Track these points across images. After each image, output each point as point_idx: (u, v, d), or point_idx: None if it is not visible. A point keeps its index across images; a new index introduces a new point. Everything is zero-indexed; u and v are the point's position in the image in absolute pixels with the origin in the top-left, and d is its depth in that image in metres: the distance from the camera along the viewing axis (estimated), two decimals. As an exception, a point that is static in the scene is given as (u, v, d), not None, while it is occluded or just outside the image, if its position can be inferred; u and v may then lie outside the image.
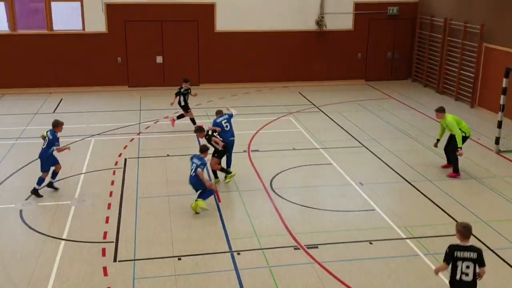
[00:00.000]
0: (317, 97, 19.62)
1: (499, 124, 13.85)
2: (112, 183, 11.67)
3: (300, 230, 9.72)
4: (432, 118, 16.06)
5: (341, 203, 10.99)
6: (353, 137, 14.93)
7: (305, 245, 9.18)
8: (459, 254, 6.61)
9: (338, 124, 16.22)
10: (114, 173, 12.24)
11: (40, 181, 10.99)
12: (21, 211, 10.34)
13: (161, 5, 20.44)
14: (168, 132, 15.39)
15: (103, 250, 8.92)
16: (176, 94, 15.45)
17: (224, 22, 20.99)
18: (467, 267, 6.58)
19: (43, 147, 11.12)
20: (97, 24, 20.16)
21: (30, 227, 9.72)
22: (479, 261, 6.63)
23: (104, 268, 8.37)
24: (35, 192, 10.96)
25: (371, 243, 9.34)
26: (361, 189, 11.56)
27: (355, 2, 21.66)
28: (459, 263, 6.60)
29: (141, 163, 12.88)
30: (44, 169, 11.08)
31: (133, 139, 14.71)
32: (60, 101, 18.77)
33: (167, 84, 21.05)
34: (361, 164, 13.10)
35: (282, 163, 12.87)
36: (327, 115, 16.31)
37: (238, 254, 8.92)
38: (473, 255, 6.61)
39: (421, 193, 11.43)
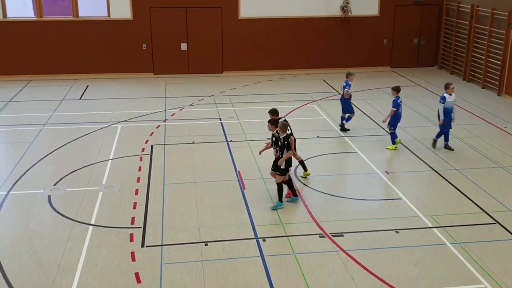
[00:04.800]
0: (341, 84, 19.42)
1: (528, 112, 13.60)
2: (139, 169, 11.80)
3: (325, 218, 9.71)
4: (460, 106, 15.83)
5: (367, 191, 10.93)
6: (378, 125, 14.81)
7: (330, 233, 9.18)
8: None
9: (363, 112, 16.09)
10: (141, 159, 12.36)
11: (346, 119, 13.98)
12: (49, 196, 10.52)
13: (186, -9, 20.47)
14: (193, 119, 15.47)
15: (131, 235, 9.05)
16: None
17: (248, 9, 20.90)
18: None
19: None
20: (123, 10, 20.27)
21: (58, 212, 9.89)
22: None
23: (132, 253, 8.50)
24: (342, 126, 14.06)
25: (397, 232, 9.29)
26: (387, 178, 11.49)
27: (381, -13, 21.41)
28: None
29: (167, 150, 12.99)
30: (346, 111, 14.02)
31: (159, 126, 14.82)
32: (86, 88, 18.98)
33: (192, 72, 21.15)
34: (387, 153, 13.00)
35: (306, 151, 12.83)
36: (352, 103, 16.14)
37: (264, 240, 8.96)
38: None
39: (448, 182, 11.31)
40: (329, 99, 17.57)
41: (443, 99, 12.79)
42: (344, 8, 21.11)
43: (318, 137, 13.99)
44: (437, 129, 13.35)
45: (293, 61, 21.60)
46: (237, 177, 11.44)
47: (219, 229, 9.34)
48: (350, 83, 14.17)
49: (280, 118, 10.63)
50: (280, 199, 10.07)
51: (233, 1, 20.81)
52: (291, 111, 16.11)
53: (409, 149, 13.11)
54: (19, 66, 20.08)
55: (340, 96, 14.60)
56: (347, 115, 14.28)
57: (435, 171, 11.86)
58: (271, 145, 10.33)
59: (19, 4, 20.91)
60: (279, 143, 9.90)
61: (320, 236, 9.12)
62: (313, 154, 12.70)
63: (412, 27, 22.09)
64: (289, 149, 9.87)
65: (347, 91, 14.06)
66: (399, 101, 13.05)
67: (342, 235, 9.13)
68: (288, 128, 10.06)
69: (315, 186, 11.05)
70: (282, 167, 9.90)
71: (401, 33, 22.03)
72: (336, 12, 21.29)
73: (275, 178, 10.14)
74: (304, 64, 21.65)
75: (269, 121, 10.17)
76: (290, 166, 10.08)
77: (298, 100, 17.31)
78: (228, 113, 15.98)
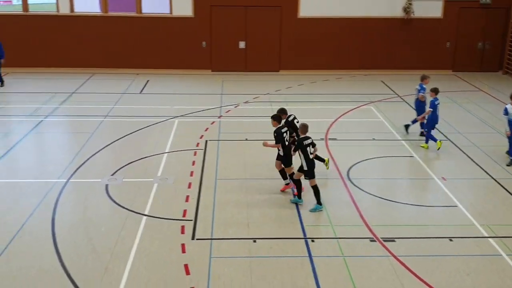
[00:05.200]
0: (400, 87, 19.06)
1: None
2: (193, 163, 12.01)
3: (377, 222, 9.56)
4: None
5: (422, 197, 10.67)
6: (437, 129, 14.41)
7: (381, 238, 9.03)
8: None
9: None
10: (195, 154, 12.57)
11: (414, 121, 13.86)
12: (106, 185, 10.88)
13: (246, -10, 20.63)
14: (247, 116, 15.58)
15: (182, 227, 9.23)
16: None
17: (308, 8, 20.83)
18: None
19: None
20: (184, 8, 20.67)
21: (114, 202, 10.21)
22: None
23: (183, 245, 8.67)
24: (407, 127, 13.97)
25: (451, 240, 9.03)
26: (443, 184, 11.16)
27: (446, -11, 20.81)
28: None
29: (221, 146, 13.15)
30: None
31: (214, 122, 15.03)
32: (146, 82, 19.49)
33: (249, 70, 21.29)
34: (445, 158, 12.64)
35: (360, 153, 12.67)
36: (411, 106, 15.78)
37: (312, 241, 8.93)
38: None
39: (507, 191, 10.87)
40: (387, 101, 17.25)
41: (505, 111, 12.20)
42: (407, 9, 20.66)
43: (373, 139, 13.77)
44: (499, 137, 12.86)
45: (351, 61, 21.34)
46: (288, 176, 11.41)
47: (268, 226, 9.38)
48: (424, 86, 13.83)
49: (290, 115, 11.03)
50: (318, 202, 9.98)
51: (293, 0, 20.80)
52: (347, 112, 15.94)
53: (467, 156, 12.68)
54: (83, 59, 20.85)
55: (414, 99, 14.24)
56: (417, 118, 13.93)
57: (494, 179, 11.43)
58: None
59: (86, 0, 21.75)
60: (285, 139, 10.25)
61: (370, 240, 8.98)
62: (367, 157, 12.51)
63: (476, 31, 21.35)
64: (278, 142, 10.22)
65: (422, 95, 13.70)
66: (436, 103, 12.87)
67: (394, 241, 8.96)
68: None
69: (368, 189, 10.88)
70: (305, 168, 9.85)
71: (465, 36, 21.33)
72: (398, 13, 20.87)
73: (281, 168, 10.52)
74: (362, 64, 21.35)
75: (272, 117, 10.43)
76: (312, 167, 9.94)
77: (354, 101, 17.09)
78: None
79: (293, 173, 10.38)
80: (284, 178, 10.68)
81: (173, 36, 20.88)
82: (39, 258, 8.30)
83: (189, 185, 10.92)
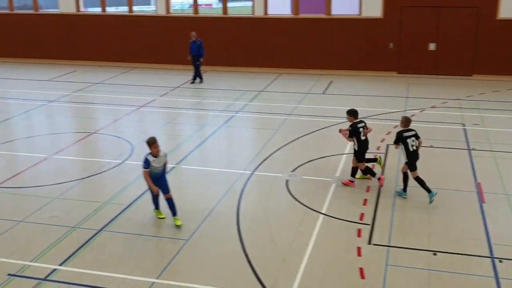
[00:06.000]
0: None
1: None
2: (373, 167, 11.83)
3: None
4: None
5: None
6: None
7: None
8: None
9: None
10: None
11: None
12: (287, 181, 11.27)
13: (441, -10, 19.65)
14: (433, 122, 14.87)
15: (359, 230, 9.17)
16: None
17: (509, 9, 19.10)
18: None
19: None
20: (374, 9, 20.45)
21: (293, 197, 10.55)
22: None
23: (358, 249, 8.61)
24: None
25: None
26: None
27: None
28: None
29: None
30: None
31: (397, 125, 14.58)
32: (330, 83, 19.73)
33: (438, 73, 20.31)
34: None
35: None
36: None
37: (500, 261, 8.20)
38: None
39: None
40: None
41: None
42: None
43: None
44: None
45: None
46: (476, 189, 10.65)
47: (451, 240, 8.85)
48: None
49: (359, 121, 10.80)
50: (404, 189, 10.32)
51: (492, 1, 19.25)
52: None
53: None
54: (272, 60, 21.85)
55: None
56: None
57: None
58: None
59: (279, 2, 22.76)
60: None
61: None
62: None
63: None
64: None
65: None
66: None
67: None
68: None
69: None
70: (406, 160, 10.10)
71: None
72: None
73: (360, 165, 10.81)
74: None
75: (347, 112, 10.82)
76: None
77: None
78: (473, 119, 14.95)
79: (364, 168, 10.81)
80: (353, 175, 10.88)
81: (360, 37, 20.79)
82: (224, 242, 8.94)
83: (368, 189, 10.80)
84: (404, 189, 10.35)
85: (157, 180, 9.25)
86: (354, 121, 10.71)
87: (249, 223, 9.57)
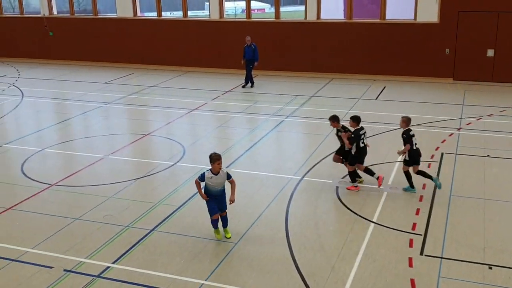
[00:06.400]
0: None
1: None
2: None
3: None
4: None
5: None
6: None
7: None
8: None
9: None
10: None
11: None
12: (337, 188, 11.16)
13: (501, -6, 19.03)
14: (491, 131, 14.39)
15: (411, 240, 8.98)
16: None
17: None
18: None
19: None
20: (430, 14, 20.02)
21: (344, 204, 10.44)
22: None
23: (410, 259, 8.43)
24: None
25: None
26: None
27: None
28: None
29: (458, 160, 12.41)
30: None
31: (452, 134, 14.25)
32: (383, 89, 19.43)
33: (496, 80, 19.67)
34: None
35: None
36: None
37: (561, 279, 7.83)
38: None
39: None
40: None
41: None
42: None
43: None
44: None
45: None
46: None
47: (508, 254, 8.52)
48: None
49: (361, 127, 10.85)
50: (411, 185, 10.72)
51: (558, 5, 18.51)
52: None
53: None
54: (324, 64, 21.74)
55: None
56: None
57: None
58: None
59: (332, 7, 22.65)
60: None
61: None
62: None
63: None
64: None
65: None
66: None
67: None
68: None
69: None
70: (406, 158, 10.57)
71: None
72: None
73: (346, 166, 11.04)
74: None
75: (351, 118, 11.03)
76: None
77: None
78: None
79: (352, 171, 10.95)
80: (353, 180, 11.00)
81: (415, 43, 20.39)
82: (272, 246, 8.94)
83: (420, 198, 10.56)
84: (411, 185, 10.76)
85: (215, 198, 8.92)
86: (356, 127, 10.79)
87: (298, 229, 9.54)
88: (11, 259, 8.66)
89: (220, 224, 9.17)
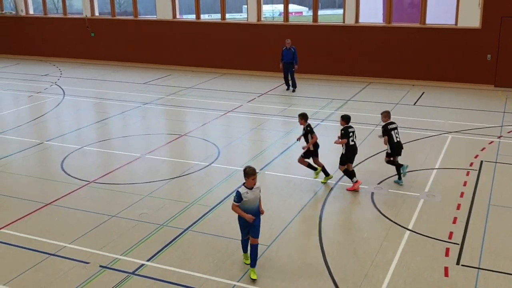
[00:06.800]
0: None
1: None
2: (465, 184, 11.33)
3: None
4: None
5: None
6: None
7: None
8: None
9: None
10: (467, 174, 11.85)
11: None
12: (372, 193, 11.04)
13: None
14: (533, 140, 13.99)
15: (447, 249, 8.80)
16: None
17: None
18: None
19: None
20: (471, 19, 19.60)
21: (379, 211, 10.31)
22: None
23: (446, 268, 8.26)
24: None
25: None
26: None
27: None
28: None
29: (498, 169, 12.10)
30: None
31: (492, 141, 13.90)
32: (421, 94, 19.12)
33: (540, 87, 19.10)
34: None
35: None
36: None
37: None
38: None
39: None
40: None
41: None
42: None
43: None
44: None
45: None
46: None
47: (549, 267, 8.27)
48: None
49: (350, 125, 11.14)
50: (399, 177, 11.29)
51: None
52: None
53: None
54: (362, 68, 21.53)
55: None
56: None
57: None
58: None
59: (371, 10, 22.42)
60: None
61: None
62: None
63: None
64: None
65: None
66: None
67: None
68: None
69: None
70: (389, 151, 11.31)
71: None
72: None
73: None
74: None
75: (341, 117, 11.30)
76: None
77: None
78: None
79: (346, 170, 11.16)
80: (352, 177, 11.12)
81: (455, 48, 19.99)
82: (305, 251, 8.92)
83: (458, 207, 10.34)
84: (399, 177, 11.35)
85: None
86: (346, 125, 11.14)
87: (332, 233, 9.48)
88: (49, 253, 8.89)
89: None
